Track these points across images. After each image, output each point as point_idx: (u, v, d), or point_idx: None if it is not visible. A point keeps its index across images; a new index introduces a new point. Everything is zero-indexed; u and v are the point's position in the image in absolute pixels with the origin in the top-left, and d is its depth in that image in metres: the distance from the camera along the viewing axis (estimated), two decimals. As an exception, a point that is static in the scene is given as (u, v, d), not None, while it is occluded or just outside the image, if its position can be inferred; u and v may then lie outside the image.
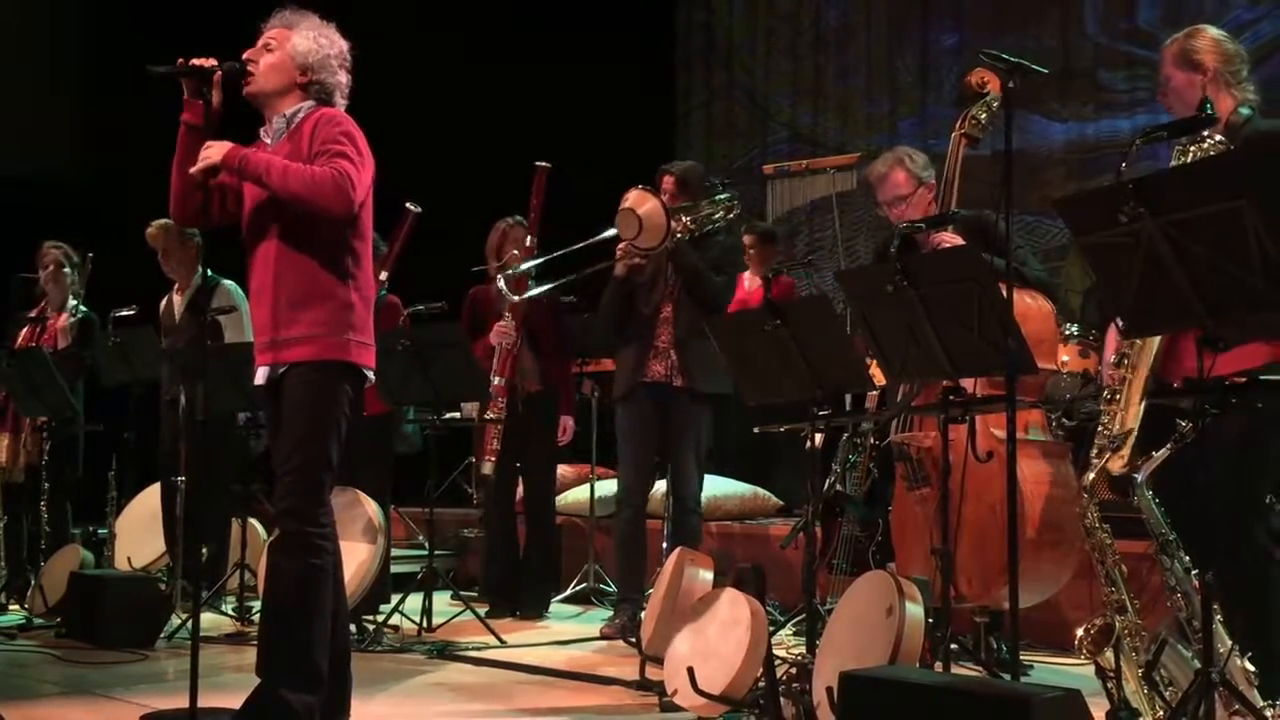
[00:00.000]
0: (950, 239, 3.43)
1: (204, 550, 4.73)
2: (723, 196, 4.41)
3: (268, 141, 2.86)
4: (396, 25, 6.60)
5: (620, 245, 4.25)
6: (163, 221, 4.89)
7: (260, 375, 2.84)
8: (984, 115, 3.65)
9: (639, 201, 4.05)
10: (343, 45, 2.91)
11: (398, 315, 4.66)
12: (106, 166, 6.57)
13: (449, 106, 7.14)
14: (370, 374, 2.88)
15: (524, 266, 4.51)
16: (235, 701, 2.79)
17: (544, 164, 4.58)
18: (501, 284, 4.43)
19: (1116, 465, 2.61)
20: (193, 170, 2.78)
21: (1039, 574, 3.29)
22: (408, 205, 4.65)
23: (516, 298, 4.49)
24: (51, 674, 3.70)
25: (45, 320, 5.12)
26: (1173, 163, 2.70)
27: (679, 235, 4.14)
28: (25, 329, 5.16)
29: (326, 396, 2.76)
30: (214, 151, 2.76)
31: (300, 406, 2.75)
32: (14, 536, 5.04)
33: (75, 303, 5.13)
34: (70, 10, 6.76)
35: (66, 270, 5.13)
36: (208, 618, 4.39)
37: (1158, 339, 2.71)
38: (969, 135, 3.64)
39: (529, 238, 4.65)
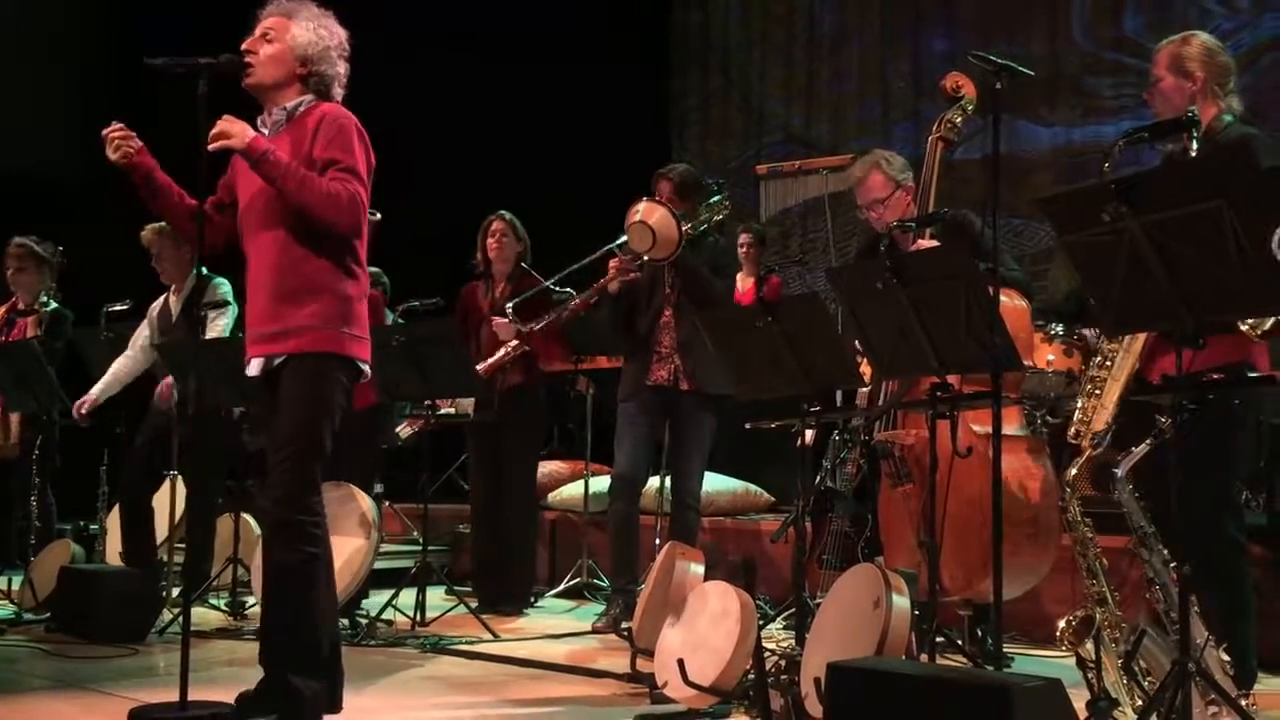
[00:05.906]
0: (926, 242, 3.48)
1: (194, 545, 4.74)
2: (716, 199, 4.43)
3: (265, 132, 2.86)
4: (394, 25, 6.62)
5: (613, 262, 4.26)
6: (158, 224, 4.89)
7: (254, 366, 2.84)
8: (959, 119, 3.71)
9: (650, 213, 4.03)
10: (342, 35, 2.91)
11: (379, 311, 4.68)
12: (104, 162, 6.57)
13: (445, 106, 7.16)
14: (365, 368, 2.89)
15: (518, 300, 4.48)
16: (226, 695, 2.81)
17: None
18: (512, 318, 4.46)
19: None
20: (211, 147, 2.72)
21: (1020, 566, 3.34)
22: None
23: (526, 328, 4.48)
24: (41, 668, 3.68)
25: (16, 315, 5.08)
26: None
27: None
28: None
29: (323, 388, 2.78)
30: (235, 136, 2.71)
31: (296, 397, 2.77)
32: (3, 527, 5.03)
33: (46, 298, 5.12)
34: (70, 6, 6.77)
35: (35, 265, 5.09)
36: (199, 612, 4.40)
37: (1140, 344, 2.76)
38: (945, 139, 3.70)
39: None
